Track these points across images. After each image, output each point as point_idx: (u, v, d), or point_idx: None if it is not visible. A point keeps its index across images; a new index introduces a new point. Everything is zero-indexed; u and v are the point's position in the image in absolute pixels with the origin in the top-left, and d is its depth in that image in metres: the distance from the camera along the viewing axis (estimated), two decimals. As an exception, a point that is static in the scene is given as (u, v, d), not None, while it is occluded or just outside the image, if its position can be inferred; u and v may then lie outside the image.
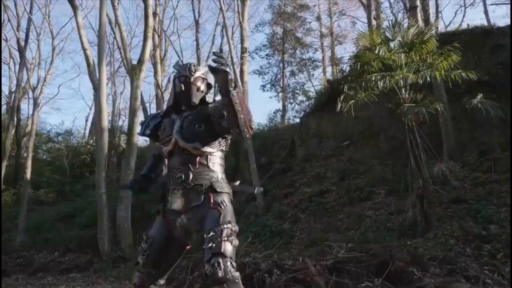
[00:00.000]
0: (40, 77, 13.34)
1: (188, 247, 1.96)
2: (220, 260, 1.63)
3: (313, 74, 20.47)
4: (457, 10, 28.09)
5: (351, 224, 6.02)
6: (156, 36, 12.96)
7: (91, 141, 21.60)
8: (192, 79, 1.98)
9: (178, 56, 18.82)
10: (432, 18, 10.09)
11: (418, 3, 9.29)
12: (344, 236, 5.40)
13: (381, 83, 4.63)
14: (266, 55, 20.03)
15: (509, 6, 15.33)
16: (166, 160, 2.08)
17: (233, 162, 11.15)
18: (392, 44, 5.21)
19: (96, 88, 8.50)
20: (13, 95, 18.48)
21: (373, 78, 4.73)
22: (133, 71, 8.89)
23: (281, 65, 19.90)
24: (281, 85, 19.68)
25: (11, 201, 15.12)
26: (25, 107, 22.35)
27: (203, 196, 1.82)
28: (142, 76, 9.08)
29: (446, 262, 3.08)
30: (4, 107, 23.45)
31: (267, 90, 19.96)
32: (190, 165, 1.85)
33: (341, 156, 9.86)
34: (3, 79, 22.45)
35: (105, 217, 7.49)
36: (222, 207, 1.79)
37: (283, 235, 6.81)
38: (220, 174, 1.92)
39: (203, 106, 2.01)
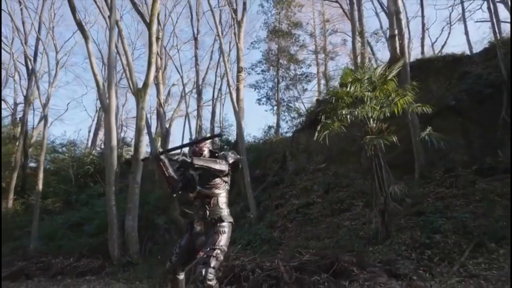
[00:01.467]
0: (49, 94, 14.25)
1: (201, 253, 2.90)
2: (204, 270, 2.55)
3: (306, 89, 21.56)
4: (443, 27, 29.31)
5: (329, 233, 6.96)
6: (159, 59, 13.98)
7: (94, 151, 22.51)
8: (197, 149, 3.02)
9: (178, 70, 19.85)
10: (415, 39, 11.13)
11: (396, 32, 10.42)
12: (322, 243, 6.32)
13: (349, 117, 5.61)
14: (262, 70, 21.08)
15: (489, 24, 16.52)
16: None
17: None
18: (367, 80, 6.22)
19: (106, 110, 9.47)
20: (23, 108, 19.57)
21: (344, 112, 5.71)
22: (139, 93, 9.87)
23: (275, 80, 20.97)
24: (276, 99, 20.71)
25: (20, 210, 15.98)
26: (29, 117, 23.28)
27: (216, 225, 2.81)
28: (146, 98, 10.07)
29: (387, 263, 4.02)
30: (9, 118, 24.45)
31: (263, 103, 20.97)
32: (207, 205, 2.84)
33: (328, 170, 10.82)
34: (8, 90, 23.43)
35: (115, 226, 8.40)
36: (221, 234, 2.76)
37: (272, 242, 7.72)
38: (225, 210, 2.89)
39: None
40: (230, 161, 2.91)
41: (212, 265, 2.59)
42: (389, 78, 5.90)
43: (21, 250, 10.00)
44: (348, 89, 5.90)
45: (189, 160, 2.66)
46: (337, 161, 10.82)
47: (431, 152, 8.91)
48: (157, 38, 12.48)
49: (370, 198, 8.47)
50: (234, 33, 15.06)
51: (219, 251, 2.67)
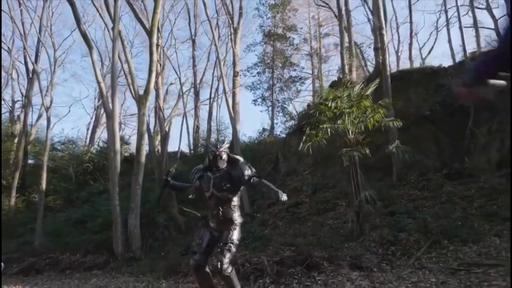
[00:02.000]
0: (52, 96, 14.85)
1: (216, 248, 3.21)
2: (220, 261, 2.91)
3: (300, 90, 22.40)
4: (431, 32, 30.23)
5: (314, 230, 7.80)
6: (159, 65, 14.65)
7: (92, 149, 23.08)
8: (217, 153, 3.29)
9: (175, 71, 20.39)
10: (405, 43, 11.94)
11: (379, 45, 11.23)
12: (307, 240, 7.16)
13: (330, 130, 6.44)
14: (257, 72, 21.84)
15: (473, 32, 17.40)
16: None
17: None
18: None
19: (110, 116, 10.19)
20: (23, 108, 20.08)
21: (325, 126, 6.53)
22: (140, 100, 10.59)
23: (270, 81, 21.76)
24: (271, 100, 21.52)
25: (22, 207, 16.64)
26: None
27: (227, 224, 3.18)
28: (147, 104, 10.80)
29: (355, 258, 4.85)
30: (7, 116, 24.91)
31: (259, 104, 21.77)
32: (220, 206, 3.18)
33: (316, 172, 11.67)
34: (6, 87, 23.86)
35: (119, 224, 9.16)
36: (233, 230, 3.14)
37: (264, 239, 8.53)
38: (237, 212, 3.23)
39: (229, 167, 3.28)
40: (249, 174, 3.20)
41: (227, 256, 2.94)
42: (365, 95, 6.71)
43: (29, 246, 10.71)
44: (329, 104, 6.70)
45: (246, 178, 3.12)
46: (324, 163, 11.66)
47: (409, 157, 9.82)
48: (157, 45, 13.15)
49: (353, 198, 9.39)
50: (231, 39, 15.75)
51: (232, 245, 3.02)
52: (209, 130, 21.53)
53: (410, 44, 20.19)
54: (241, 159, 3.42)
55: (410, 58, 19.72)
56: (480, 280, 3.72)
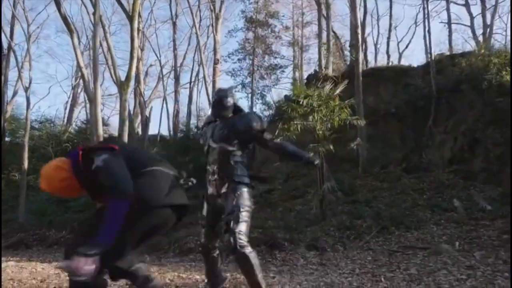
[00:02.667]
0: (30, 77, 14.65)
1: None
2: (232, 232, 2.23)
3: (279, 78, 22.88)
4: (410, 26, 31.16)
5: (283, 215, 8.56)
6: (139, 49, 14.73)
7: (70, 128, 22.89)
8: (221, 95, 2.69)
9: (155, 53, 20.30)
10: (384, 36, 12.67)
11: (356, 41, 11.86)
12: (275, 223, 7.91)
13: (299, 127, 7.10)
14: (238, 59, 22.07)
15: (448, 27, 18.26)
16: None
17: (204, 161, 13.47)
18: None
19: (92, 101, 10.43)
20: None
21: (296, 122, 7.17)
22: (122, 86, 10.85)
23: (251, 68, 22.09)
24: (251, 87, 21.94)
25: (2, 185, 16.63)
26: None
27: (227, 185, 2.49)
28: (129, 90, 11.08)
29: (313, 240, 5.64)
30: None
31: (238, 91, 22.12)
32: (218, 163, 2.52)
33: (290, 161, 12.41)
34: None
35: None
36: (237, 194, 2.40)
37: (237, 222, 9.27)
38: (240, 169, 2.51)
39: (235, 117, 2.68)
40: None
41: (239, 228, 2.28)
42: (333, 95, 7.37)
43: (14, 223, 11.02)
44: (301, 102, 7.32)
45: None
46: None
47: (375, 150, 10.70)
48: (138, 30, 13.24)
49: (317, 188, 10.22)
50: (212, 25, 15.95)
51: (241, 212, 2.35)
52: (189, 114, 21.81)
53: (388, 38, 21.01)
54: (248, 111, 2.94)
55: (387, 52, 20.53)
56: (409, 261, 4.55)
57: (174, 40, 21.37)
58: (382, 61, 20.47)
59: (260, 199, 10.66)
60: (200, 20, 19.72)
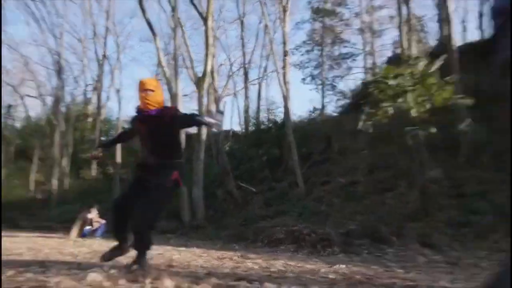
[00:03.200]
0: (121, 80, 16.19)
1: None
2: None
3: (351, 67, 21.69)
4: None
5: (373, 209, 7.91)
6: (213, 48, 15.14)
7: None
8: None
9: (225, 52, 20.86)
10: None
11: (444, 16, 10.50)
12: (366, 217, 7.32)
13: (389, 109, 6.40)
14: (306, 51, 21.49)
15: None
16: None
17: (277, 153, 13.34)
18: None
19: (173, 97, 10.96)
20: (94, 91, 22.25)
21: (386, 105, 6.49)
22: (199, 82, 11.21)
23: (320, 59, 21.33)
24: (321, 78, 21.18)
25: (100, 178, 18.89)
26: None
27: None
28: (205, 86, 11.39)
29: (421, 236, 4.97)
30: (81, 98, 27.28)
31: (307, 83, 21.57)
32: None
33: (373, 150, 11.51)
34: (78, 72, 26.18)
35: (185, 197, 10.08)
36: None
37: (320, 215, 8.83)
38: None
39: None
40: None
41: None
42: (430, 72, 6.50)
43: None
44: (390, 82, 6.61)
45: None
46: (382, 141, 11.44)
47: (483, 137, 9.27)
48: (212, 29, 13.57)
49: (412, 179, 9.20)
50: (280, 18, 15.64)
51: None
52: (258, 108, 21.92)
53: (481, 12, 18.31)
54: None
55: (480, 27, 17.88)
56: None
57: (242, 38, 21.65)
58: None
59: (341, 192, 10.08)
60: (268, 14, 19.65)
